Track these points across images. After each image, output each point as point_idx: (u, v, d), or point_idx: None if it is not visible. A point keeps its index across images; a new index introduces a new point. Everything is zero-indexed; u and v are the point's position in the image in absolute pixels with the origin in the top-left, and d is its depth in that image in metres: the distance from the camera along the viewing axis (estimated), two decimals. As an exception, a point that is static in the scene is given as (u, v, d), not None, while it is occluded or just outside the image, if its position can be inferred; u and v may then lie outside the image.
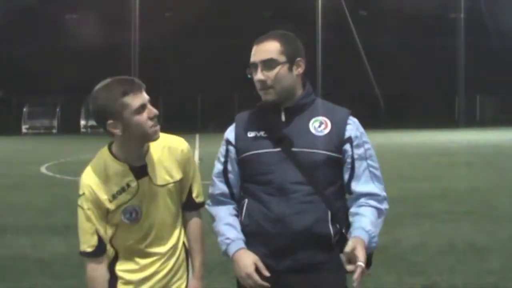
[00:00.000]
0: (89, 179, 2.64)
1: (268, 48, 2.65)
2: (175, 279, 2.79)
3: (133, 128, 2.55)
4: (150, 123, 2.58)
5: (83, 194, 2.63)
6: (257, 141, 2.68)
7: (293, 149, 2.63)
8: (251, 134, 2.71)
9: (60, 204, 10.14)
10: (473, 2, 44.87)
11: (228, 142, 2.77)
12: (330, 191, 2.64)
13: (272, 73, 2.64)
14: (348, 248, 2.43)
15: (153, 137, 2.62)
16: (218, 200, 2.78)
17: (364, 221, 2.57)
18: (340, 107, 2.78)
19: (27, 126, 40.84)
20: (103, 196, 2.61)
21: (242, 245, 2.64)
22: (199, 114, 42.28)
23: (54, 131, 41.08)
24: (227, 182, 2.76)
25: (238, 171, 2.74)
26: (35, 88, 39.12)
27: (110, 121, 2.54)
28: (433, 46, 42.08)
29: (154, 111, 2.60)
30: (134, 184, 2.64)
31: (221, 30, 40.52)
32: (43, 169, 16.81)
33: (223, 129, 2.92)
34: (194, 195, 2.82)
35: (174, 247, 2.78)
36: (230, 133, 2.78)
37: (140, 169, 2.65)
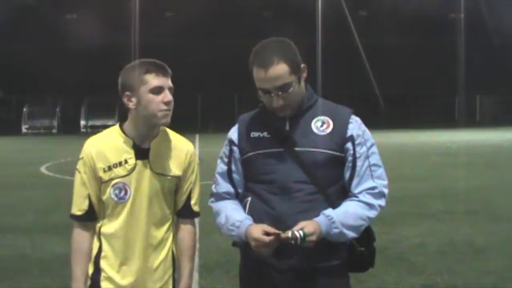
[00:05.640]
0: (91, 146, 2.73)
1: (278, 74, 2.58)
2: (159, 283, 2.76)
3: (144, 105, 2.64)
4: (162, 106, 2.64)
5: (82, 158, 2.72)
6: (260, 141, 2.69)
7: (296, 148, 2.63)
8: (254, 135, 2.72)
9: (60, 204, 10.10)
10: (473, 2, 44.83)
11: (231, 143, 2.78)
12: (332, 190, 2.65)
13: (287, 94, 2.62)
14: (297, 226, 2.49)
15: (161, 121, 2.67)
16: (222, 198, 2.78)
17: (334, 210, 2.59)
18: (342, 106, 2.78)
19: (27, 126, 40.74)
20: (100, 165, 2.68)
21: (250, 222, 2.63)
22: (199, 114, 42.24)
23: (54, 131, 40.97)
24: (231, 182, 2.76)
25: (242, 171, 2.75)
26: (35, 88, 39.05)
27: (127, 93, 2.66)
28: (433, 46, 42.01)
29: (170, 97, 2.66)
30: (132, 162, 2.69)
31: (221, 30, 40.48)
32: (43, 169, 16.81)
33: (223, 129, 2.93)
34: (192, 202, 2.81)
35: (160, 248, 2.75)
36: (233, 133, 2.79)
37: (143, 151, 2.70)
